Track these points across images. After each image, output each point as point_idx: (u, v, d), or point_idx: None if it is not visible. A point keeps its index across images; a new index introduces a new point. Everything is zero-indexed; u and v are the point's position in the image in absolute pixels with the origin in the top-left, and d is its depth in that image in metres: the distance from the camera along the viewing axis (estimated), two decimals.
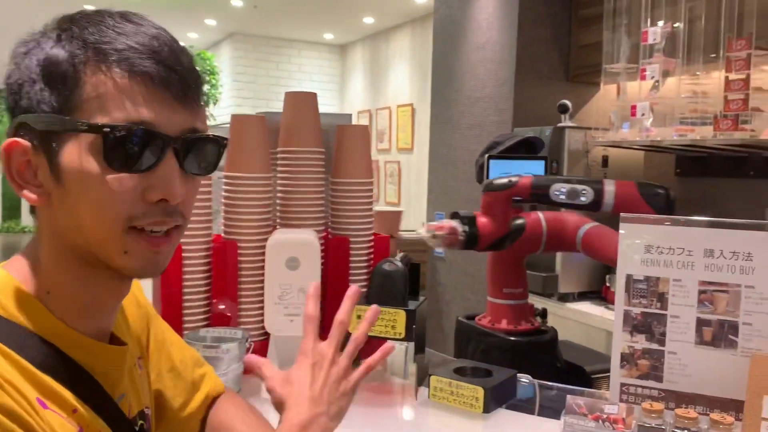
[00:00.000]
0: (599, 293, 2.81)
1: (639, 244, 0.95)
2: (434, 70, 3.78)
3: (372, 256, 1.31)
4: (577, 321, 2.63)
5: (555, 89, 3.23)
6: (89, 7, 0.64)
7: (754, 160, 2.58)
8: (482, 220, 1.27)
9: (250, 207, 1.19)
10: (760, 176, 2.58)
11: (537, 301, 2.86)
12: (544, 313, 2.00)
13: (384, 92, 6.79)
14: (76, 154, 0.58)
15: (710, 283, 0.93)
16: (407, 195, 6.31)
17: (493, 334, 1.58)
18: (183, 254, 1.15)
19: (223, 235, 1.23)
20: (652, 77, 2.48)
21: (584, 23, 3.16)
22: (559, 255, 2.78)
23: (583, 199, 1.20)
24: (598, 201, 1.20)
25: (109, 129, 0.57)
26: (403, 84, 6.43)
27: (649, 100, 2.47)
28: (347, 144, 1.25)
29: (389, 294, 1.11)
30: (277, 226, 1.26)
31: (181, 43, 0.65)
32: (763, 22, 2.15)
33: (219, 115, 7.58)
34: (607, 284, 2.75)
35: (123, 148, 0.58)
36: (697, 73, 2.34)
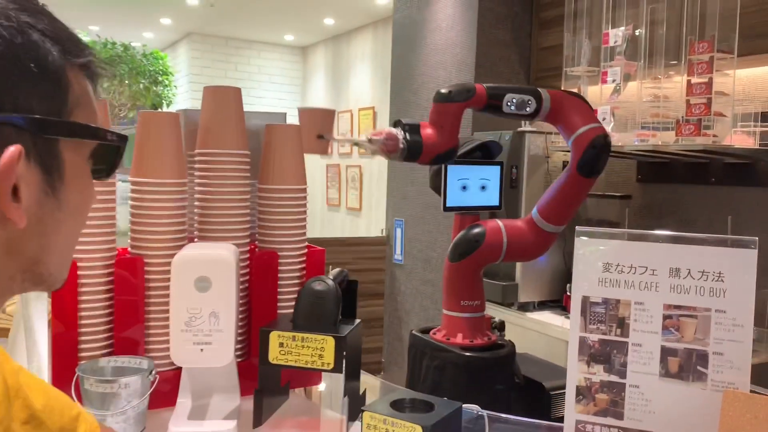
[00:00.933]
0: (560, 302, 2.73)
1: (595, 261, 0.83)
2: (393, 73, 3.66)
3: (304, 272, 1.17)
4: (537, 331, 2.53)
5: None
6: None
7: (715, 166, 2.53)
8: (427, 131, 1.15)
9: (159, 217, 1.03)
10: (721, 183, 2.52)
11: (496, 311, 2.76)
12: (501, 326, 1.91)
13: (346, 95, 6.65)
14: (79, 163, 0.53)
15: (676, 307, 0.81)
16: (369, 200, 6.18)
17: (448, 350, 1.52)
18: (79, 271, 0.99)
19: (129, 249, 1.07)
20: (614, 81, 2.40)
21: (545, 25, 3.08)
22: (519, 263, 2.69)
23: (528, 109, 1.21)
24: (539, 108, 1.21)
25: (115, 137, 0.54)
26: (364, 87, 6.30)
27: (611, 104, 2.39)
28: (277, 146, 1.11)
29: (318, 317, 0.97)
30: (196, 239, 1.11)
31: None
32: (725, 24, 2.09)
33: None
34: (568, 293, 2.66)
35: (113, 155, 0.56)
36: (659, 76, 2.27)
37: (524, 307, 2.70)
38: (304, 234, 1.15)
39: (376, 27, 6.11)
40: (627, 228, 2.67)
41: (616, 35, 2.38)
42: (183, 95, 6.97)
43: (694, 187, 2.64)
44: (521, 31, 3.12)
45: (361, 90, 6.36)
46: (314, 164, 7.26)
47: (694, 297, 0.80)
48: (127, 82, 5.21)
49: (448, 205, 1.46)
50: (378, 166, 5.96)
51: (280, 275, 1.12)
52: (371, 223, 6.05)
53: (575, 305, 0.86)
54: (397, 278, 3.67)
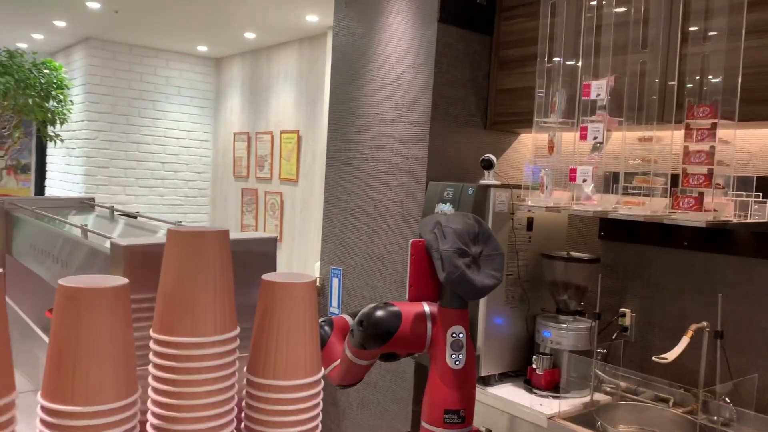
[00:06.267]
0: (523, 373, 2.46)
1: None
2: (332, 104, 3.28)
3: None
4: (501, 410, 2.24)
5: (472, 137, 2.86)
6: None
7: (688, 229, 2.35)
8: None
9: None
10: (694, 248, 2.35)
11: None
12: None
13: (265, 115, 6.17)
14: None
15: None
16: (290, 230, 5.73)
17: None
18: None
19: None
20: (595, 138, 2.16)
21: (505, 66, 2.83)
22: (480, 331, 2.40)
23: None
24: None
25: None
26: (287, 108, 5.86)
27: (592, 164, 2.15)
28: (283, 314, 0.69)
29: None
30: None
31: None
32: (725, 87, 1.89)
33: (69, 129, 6.53)
34: (534, 366, 2.40)
35: None
36: (649, 137, 2.05)
37: (486, 381, 2.41)
38: None
39: (302, 45, 5.70)
40: (599, 294, 2.45)
41: (598, 87, 2.14)
42: (78, 106, 6.20)
43: (663, 250, 2.45)
44: (479, 71, 2.85)
45: (283, 111, 5.91)
46: (228, 186, 6.70)
47: None
48: (13, 95, 4.38)
49: None
50: (302, 195, 5.54)
51: None
52: (293, 255, 5.61)
53: None
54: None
